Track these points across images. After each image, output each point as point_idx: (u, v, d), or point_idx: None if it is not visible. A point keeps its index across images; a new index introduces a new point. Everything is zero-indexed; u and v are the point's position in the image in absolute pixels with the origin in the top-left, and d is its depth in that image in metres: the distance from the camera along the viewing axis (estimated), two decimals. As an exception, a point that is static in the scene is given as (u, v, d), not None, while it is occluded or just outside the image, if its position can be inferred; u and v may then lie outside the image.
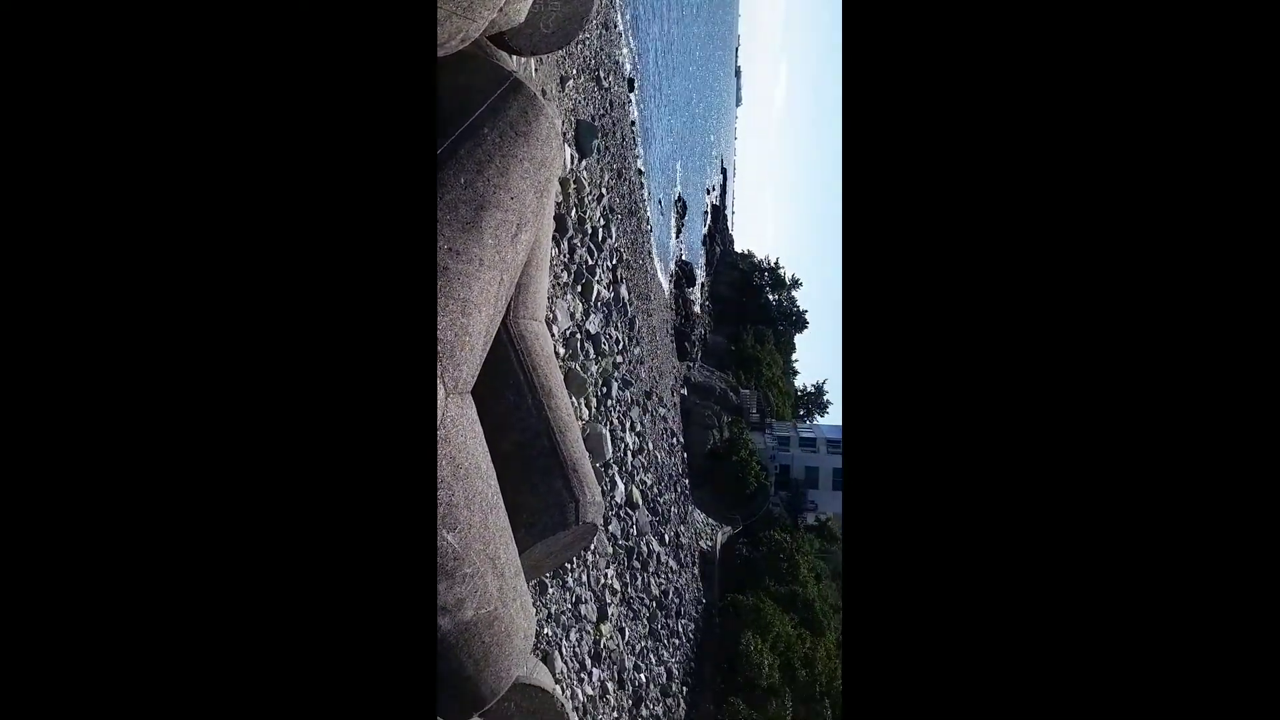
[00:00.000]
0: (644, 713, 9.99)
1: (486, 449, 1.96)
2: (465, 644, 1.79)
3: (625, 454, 11.70)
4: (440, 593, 1.68)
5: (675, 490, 17.80)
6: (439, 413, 1.67)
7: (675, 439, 20.20)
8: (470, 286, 1.75)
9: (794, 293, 42.22)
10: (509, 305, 2.46)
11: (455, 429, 1.75)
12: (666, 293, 25.33)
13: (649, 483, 13.76)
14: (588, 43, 11.29)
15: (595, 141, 10.11)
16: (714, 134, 44.74)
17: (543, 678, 2.84)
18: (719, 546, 22.21)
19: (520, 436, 2.39)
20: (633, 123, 17.39)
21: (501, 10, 1.86)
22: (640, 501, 12.31)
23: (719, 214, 44.47)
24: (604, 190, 11.22)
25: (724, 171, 49.74)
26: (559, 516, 2.34)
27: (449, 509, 1.70)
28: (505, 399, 2.40)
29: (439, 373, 1.67)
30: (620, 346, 11.63)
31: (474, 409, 1.90)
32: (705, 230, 39.14)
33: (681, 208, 30.31)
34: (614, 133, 13.69)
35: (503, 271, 1.89)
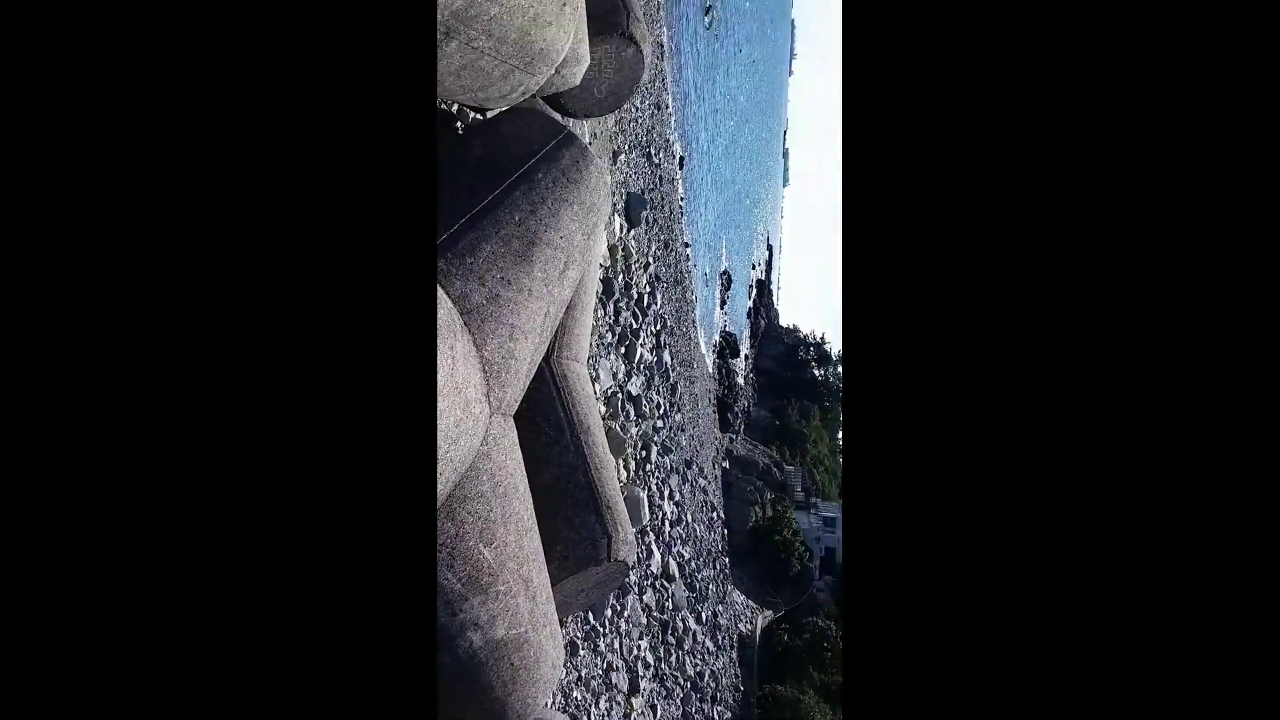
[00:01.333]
0: (674, 801, 9.37)
1: (525, 474, 2.02)
2: (495, 663, 1.80)
3: (663, 523, 11.49)
4: (474, 606, 1.72)
5: (714, 568, 17.25)
6: (483, 429, 1.76)
7: (715, 513, 19.74)
8: (519, 314, 1.87)
9: (840, 369, 41.81)
10: (552, 345, 2.58)
11: (497, 448, 1.83)
12: (709, 364, 25.37)
13: (687, 556, 13.41)
14: (640, 121, 11.93)
15: (644, 212, 10.53)
16: (760, 212, 45.86)
17: (569, 727, 2.77)
18: (759, 630, 21.21)
19: (557, 470, 2.45)
20: (681, 198, 18.03)
21: (558, 71, 2.06)
22: (677, 575, 11.98)
23: (764, 288, 44.92)
24: (651, 259, 11.55)
25: (770, 248, 50.57)
26: (591, 551, 2.36)
27: (486, 524, 1.75)
28: (544, 433, 2.48)
29: (485, 392, 1.77)
30: (661, 411, 11.64)
31: (515, 432, 1.98)
32: (750, 304, 39.47)
33: (726, 281, 30.80)
34: (663, 206, 14.20)
35: (549, 303, 2.01)
